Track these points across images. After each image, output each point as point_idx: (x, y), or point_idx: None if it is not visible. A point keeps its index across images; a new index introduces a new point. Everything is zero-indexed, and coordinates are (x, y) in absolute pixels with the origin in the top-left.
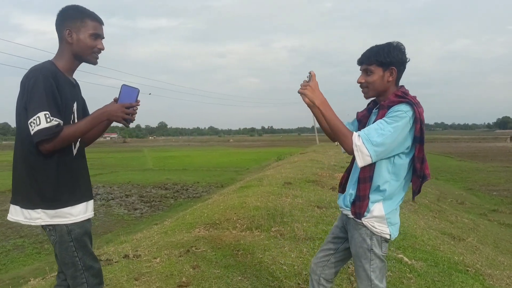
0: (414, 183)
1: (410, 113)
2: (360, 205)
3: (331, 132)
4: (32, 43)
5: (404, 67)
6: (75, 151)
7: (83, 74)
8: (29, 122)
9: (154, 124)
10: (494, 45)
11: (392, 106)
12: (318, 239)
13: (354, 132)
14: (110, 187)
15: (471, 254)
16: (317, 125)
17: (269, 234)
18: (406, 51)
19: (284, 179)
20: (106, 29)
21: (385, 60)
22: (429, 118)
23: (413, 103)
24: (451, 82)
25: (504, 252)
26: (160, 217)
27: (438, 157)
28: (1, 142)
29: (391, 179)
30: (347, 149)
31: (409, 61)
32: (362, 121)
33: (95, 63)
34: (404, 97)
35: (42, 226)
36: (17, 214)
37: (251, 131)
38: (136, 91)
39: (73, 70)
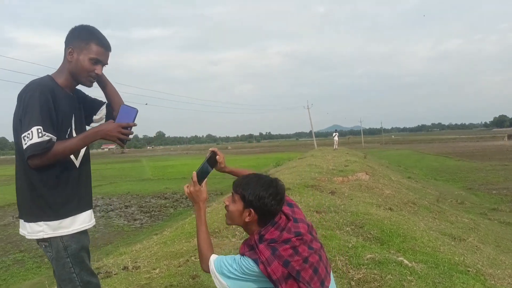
0: None
1: (255, 271)
2: None
3: (198, 244)
4: (25, 57)
5: (270, 215)
6: (78, 162)
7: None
8: (22, 136)
9: (152, 133)
10: (486, 43)
11: (246, 248)
12: None
13: (212, 256)
14: (110, 198)
15: (471, 254)
16: (315, 129)
17: None
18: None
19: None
20: None
21: (247, 197)
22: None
23: (260, 261)
24: (445, 82)
25: (506, 251)
26: (160, 227)
27: (437, 157)
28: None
29: None
30: (202, 268)
31: (275, 212)
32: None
33: (89, 86)
34: (254, 248)
35: (38, 243)
36: (23, 227)
37: (249, 137)
38: (134, 112)
39: (72, 87)
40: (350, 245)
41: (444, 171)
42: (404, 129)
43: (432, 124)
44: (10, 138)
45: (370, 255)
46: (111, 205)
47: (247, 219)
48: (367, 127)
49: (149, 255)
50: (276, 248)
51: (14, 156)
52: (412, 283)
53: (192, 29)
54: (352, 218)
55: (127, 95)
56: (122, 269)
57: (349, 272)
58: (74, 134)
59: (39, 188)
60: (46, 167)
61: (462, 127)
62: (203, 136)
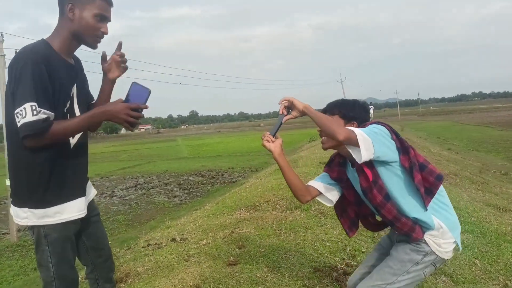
0: (419, 185)
1: (381, 127)
2: (415, 236)
3: (323, 125)
4: None
5: (365, 125)
6: (73, 143)
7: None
8: (15, 112)
9: (185, 113)
10: None
11: None
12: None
13: (348, 127)
14: (149, 177)
15: None
16: None
17: (310, 213)
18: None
19: (319, 159)
20: (130, 23)
21: (348, 114)
22: (466, 88)
23: (378, 122)
24: (486, 48)
25: None
26: (199, 203)
27: (478, 128)
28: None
29: (412, 195)
30: (340, 136)
31: (371, 120)
32: (343, 177)
33: (95, 47)
34: (364, 126)
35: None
36: (12, 211)
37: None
38: (147, 92)
39: (71, 51)
40: None
41: (486, 142)
42: (443, 100)
43: (472, 93)
44: None
45: None
46: (151, 183)
47: None
48: (403, 99)
49: (195, 228)
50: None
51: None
52: (459, 252)
53: (221, 7)
54: None
55: (160, 75)
56: (171, 241)
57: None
58: (76, 108)
59: (26, 172)
60: (38, 149)
61: (505, 95)
62: (235, 114)
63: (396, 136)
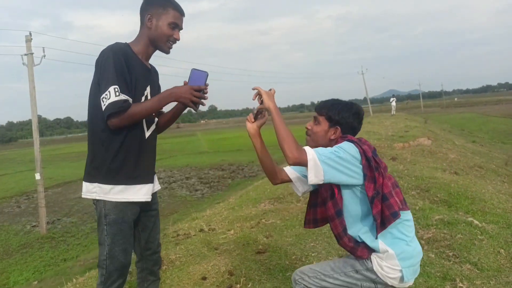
0: (376, 218)
1: (353, 147)
2: (359, 255)
3: (279, 138)
4: (82, 38)
5: (351, 132)
6: (147, 134)
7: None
8: (101, 97)
9: (205, 108)
10: None
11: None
12: None
13: (305, 147)
14: (171, 171)
15: None
16: (370, 95)
17: None
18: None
19: None
20: None
21: (333, 117)
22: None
23: (354, 141)
24: None
25: None
26: (221, 197)
27: (504, 119)
28: (66, 135)
29: (365, 220)
30: (292, 156)
31: (358, 129)
32: None
33: (167, 52)
34: (343, 139)
35: (93, 202)
36: (84, 187)
37: (301, 107)
38: (205, 75)
39: (148, 55)
40: (417, 207)
41: None
42: (467, 91)
43: (498, 84)
44: (76, 117)
45: (439, 216)
46: (172, 177)
47: (332, 137)
48: (426, 91)
49: (221, 219)
50: (360, 140)
51: (79, 135)
52: (483, 242)
53: (238, 0)
54: (417, 183)
55: (179, 70)
56: (199, 231)
57: (418, 232)
58: None
59: (103, 151)
60: (117, 133)
61: None
62: (254, 108)
63: (367, 161)
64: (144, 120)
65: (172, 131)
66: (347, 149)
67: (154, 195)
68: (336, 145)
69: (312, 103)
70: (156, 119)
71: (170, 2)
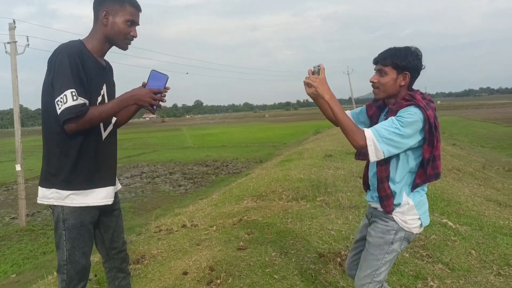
0: (418, 176)
1: (419, 115)
2: (384, 204)
3: (340, 126)
4: (68, 28)
5: (418, 74)
6: (105, 135)
7: (118, 56)
8: (56, 101)
9: (190, 102)
10: None
11: (400, 109)
12: (363, 207)
13: (365, 129)
14: (154, 166)
15: None
16: (355, 96)
17: (315, 203)
18: (422, 57)
19: (324, 151)
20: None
21: (400, 64)
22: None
23: (421, 106)
24: (496, 43)
25: None
26: (204, 193)
27: (484, 123)
28: (39, 127)
29: (407, 175)
30: (356, 144)
31: (424, 68)
32: (373, 119)
33: (125, 48)
34: (411, 100)
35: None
36: (39, 193)
37: (287, 105)
38: (165, 78)
39: (103, 52)
40: None
41: (492, 138)
42: (450, 94)
43: (480, 88)
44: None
45: None
46: (156, 172)
47: (402, 83)
48: None
49: (204, 215)
50: (428, 102)
51: (35, 128)
52: (456, 243)
53: None
54: None
55: (166, 64)
56: (182, 227)
57: None
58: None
59: (59, 155)
60: (72, 136)
61: None
62: (240, 104)
63: (429, 127)
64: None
65: (157, 125)
66: (410, 122)
67: (115, 194)
68: (399, 117)
69: (298, 101)
70: (114, 118)
71: None
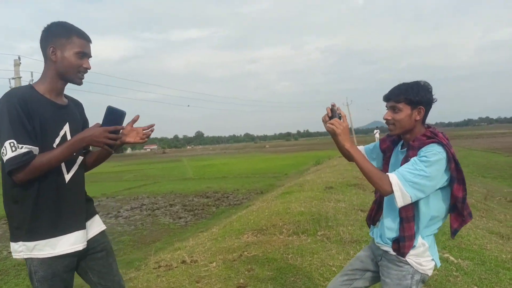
0: (454, 221)
1: (443, 154)
2: (405, 245)
3: (363, 174)
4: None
5: (431, 107)
6: (68, 177)
7: (119, 90)
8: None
9: (191, 133)
10: None
11: (423, 147)
12: (364, 241)
13: (389, 174)
14: (154, 197)
15: None
16: (355, 126)
17: (316, 238)
18: (433, 90)
19: (325, 183)
20: (140, 44)
21: (414, 99)
22: (473, 113)
23: (444, 144)
24: (495, 74)
25: None
26: (204, 225)
27: (484, 153)
28: None
29: (432, 215)
30: (383, 191)
31: (436, 101)
32: (387, 153)
33: (79, 83)
34: (434, 137)
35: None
36: (11, 247)
37: (287, 135)
38: (122, 114)
39: (58, 90)
40: None
41: (493, 168)
42: (449, 124)
43: (479, 118)
44: None
45: None
46: (156, 203)
47: (417, 118)
48: None
49: (204, 250)
50: (448, 140)
51: None
52: (458, 279)
53: (229, 28)
54: None
55: (168, 97)
56: (181, 263)
57: None
58: None
59: (18, 208)
60: (29, 184)
61: None
62: (241, 135)
63: (456, 165)
64: (63, 163)
65: (158, 157)
66: (435, 161)
67: (97, 236)
68: (422, 157)
69: (298, 132)
70: (81, 158)
71: (73, 30)
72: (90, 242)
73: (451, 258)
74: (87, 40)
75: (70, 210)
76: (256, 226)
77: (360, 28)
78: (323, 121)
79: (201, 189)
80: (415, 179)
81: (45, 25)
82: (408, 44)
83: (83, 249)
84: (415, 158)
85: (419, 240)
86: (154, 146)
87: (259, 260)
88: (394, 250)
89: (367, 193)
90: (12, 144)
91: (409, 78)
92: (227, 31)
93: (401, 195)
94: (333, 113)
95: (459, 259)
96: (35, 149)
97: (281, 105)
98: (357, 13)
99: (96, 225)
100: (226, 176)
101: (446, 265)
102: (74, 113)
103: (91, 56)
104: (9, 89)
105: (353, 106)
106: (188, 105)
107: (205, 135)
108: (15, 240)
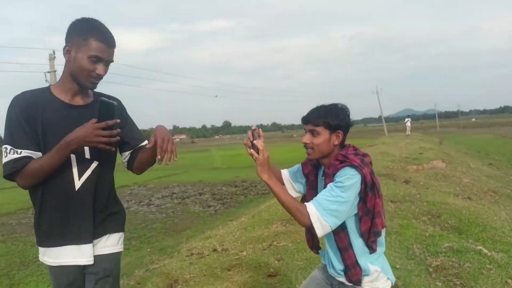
0: (364, 235)
1: (357, 176)
2: (352, 273)
3: (282, 206)
4: None
5: (348, 130)
6: (79, 184)
7: (148, 82)
8: None
9: (219, 123)
10: None
11: (336, 172)
12: (394, 233)
13: (307, 204)
14: (184, 186)
15: None
16: (385, 114)
17: None
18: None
19: None
20: (167, 36)
21: (333, 123)
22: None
23: (356, 166)
24: None
25: None
26: (233, 214)
27: None
28: None
29: (359, 238)
30: (303, 224)
31: (353, 126)
32: (309, 177)
33: (91, 88)
34: (345, 161)
35: None
36: None
37: None
38: (113, 106)
39: (74, 90)
40: (427, 234)
41: None
42: (485, 111)
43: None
44: None
45: (448, 244)
46: (186, 192)
47: (336, 142)
48: (442, 110)
49: (234, 239)
50: (362, 159)
51: None
52: (491, 271)
53: (255, 19)
54: (428, 208)
55: (196, 88)
56: (212, 251)
57: (426, 259)
58: (86, 149)
59: (35, 210)
60: (35, 188)
61: None
62: (268, 124)
63: (365, 187)
64: (74, 167)
65: (187, 146)
66: (350, 185)
67: (105, 258)
68: (337, 182)
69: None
70: (95, 163)
71: (94, 31)
72: (98, 262)
73: (484, 250)
74: (108, 44)
75: (79, 220)
76: (285, 216)
77: (388, 15)
78: (245, 144)
79: (230, 178)
80: (333, 206)
81: (72, 20)
82: (439, 30)
83: (87, 264)
84: (331, 184)
85: (371, 268)
86: (183, 136)
87: (288, 250)
88: (348, 282)
89: (398, 183)
90: (5, 149)
91: (440, 64)
92: (252, 22)
93: (321, 226)
94: (254, 138)
95: (493, 251)
96: (36, 154)
97: (308, 94)
98: (385, 0)
99: (110, 244)
100: (253, 166)
101: (479, 258)
102: (92, 113)
103: (112, 61)
104: (45, 83)
105: (382, 95)
106: (216, 96)
107: (232, 125)
108: (37, 243)
